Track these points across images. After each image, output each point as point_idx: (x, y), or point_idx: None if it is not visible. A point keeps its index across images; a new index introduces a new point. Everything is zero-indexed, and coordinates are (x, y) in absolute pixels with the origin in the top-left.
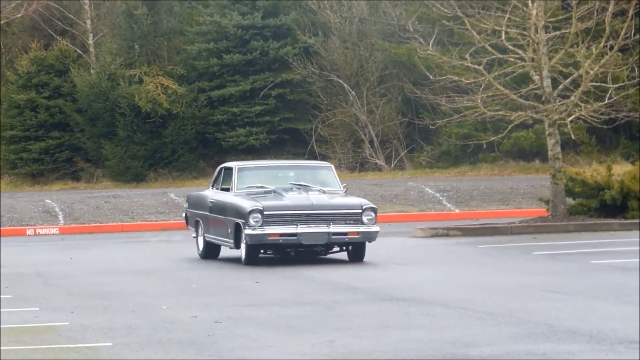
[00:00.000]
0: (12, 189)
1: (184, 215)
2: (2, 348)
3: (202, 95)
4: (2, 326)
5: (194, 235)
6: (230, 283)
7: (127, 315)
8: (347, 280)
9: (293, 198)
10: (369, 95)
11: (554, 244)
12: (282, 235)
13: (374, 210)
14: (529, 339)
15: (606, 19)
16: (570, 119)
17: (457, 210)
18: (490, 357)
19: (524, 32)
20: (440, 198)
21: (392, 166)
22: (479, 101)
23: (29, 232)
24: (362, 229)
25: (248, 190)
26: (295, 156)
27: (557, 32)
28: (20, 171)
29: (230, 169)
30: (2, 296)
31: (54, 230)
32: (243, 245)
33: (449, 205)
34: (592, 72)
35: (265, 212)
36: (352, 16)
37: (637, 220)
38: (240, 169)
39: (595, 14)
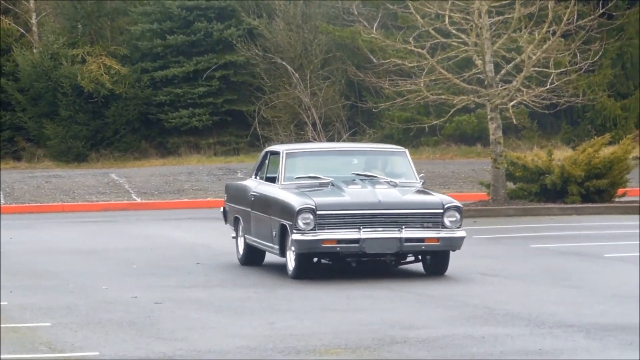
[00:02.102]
0: None
1: (221, 209)
2: None
3: (145, 75)
4: None
5: (234, 235)
6: (172, 264)
7: (67, 295)
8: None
9: (354, 194)
10: (313, 78)
11: (494, 227)
12: (340, 242)
13: (458, 210)
14: (467, 322)
15: (549, 4)
16: (512, 103)
17: None
18: (429, 339)
19: (468, 17)
20: None
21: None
22: (422, 85)
23: None
24: (443, 234)
25: (298, 182)
26: (239, 138)
27: (500, 17)
28: None
29: (277, 154)
30: None
31: None
32: (290, 253)
33: None
34: (534, 57)
35: (318, 212)
36: None
37: (579, 205)
38: (289, 154)
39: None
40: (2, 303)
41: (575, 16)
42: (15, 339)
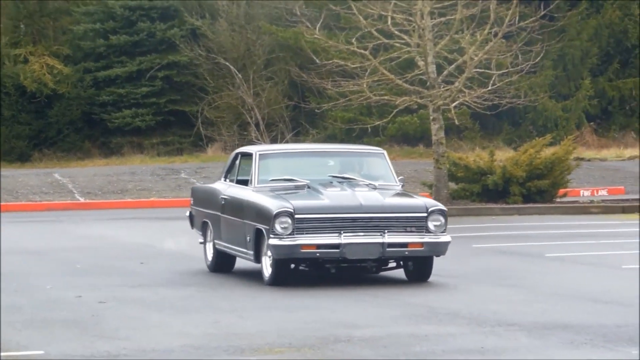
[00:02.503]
0: None
1: (187, 213)
2: None
3: (88, 75)
4: None
5: (201, 240)
6: (116, 264)
7: (11, 295)
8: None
9: (334, 196)
10: (256, 79)
11: None
12: (319, 247)
13: (443, 213)
14: (410, 320)
15: (491, 6)
16: (454, 104)
17: None
18: (373, 338)
19: (410, 18)
20: None
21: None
22: (365, 85)
23: None
24: (427, 238)
25: (273, 184)
26: (182, 139)
27: (443, 18)
28: None
29: (249, 155)
30: None
31: None
32: (266, 259)
33: None
34: (476, 58)
35: (296, 216)
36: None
37: (521, 205)
38: (262, 156)
39: (480, 1)
40: None
41: (517, 18)
42: None
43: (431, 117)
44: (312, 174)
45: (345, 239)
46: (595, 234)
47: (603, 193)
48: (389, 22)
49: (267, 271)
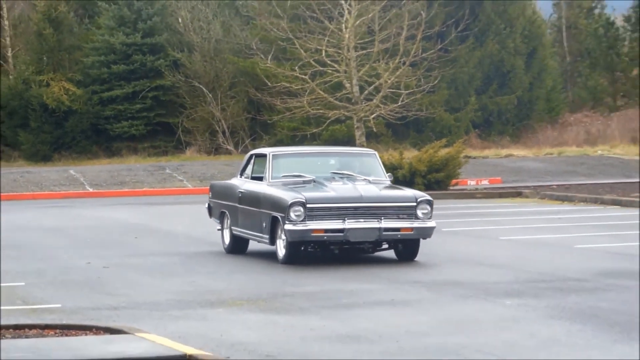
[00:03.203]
0: None
1: (206, 205)
2: None
3: (95, 96)
4: None
5: (219, 227)
6: (116, 238)
7: (36, 261)
8: (206, 236)
9: (338, 189)
10: (222, 97)
11: None
12: (327, 231)
13: (430, 203)
14: (341, 279)
15: (400, 41)
16: (372, 116)
17: None
18: (311, 293)
19: (339, 51)
20: None
21: (239, 151)
22: (305, 102)
23: None
24: (416, 224)
25: (284, 179)
26: (167, 143)
27: (364, 51)
28: None
29: (263, 156)
30: None
31: None
32: (280, 242)
33: None
34: (389, 81)
35: (308, 205)
36: (210, 37)
37: (423, 192)
38: (275, 156)
39: (392, 38)
40: (18, 283)
41: (420, 50)
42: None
43: (355, 126)
44: (316, 171)
45: (348, 224)
46: (479, 214)
47: (485, 183)
48: (323, 54)
49: (281, 252)
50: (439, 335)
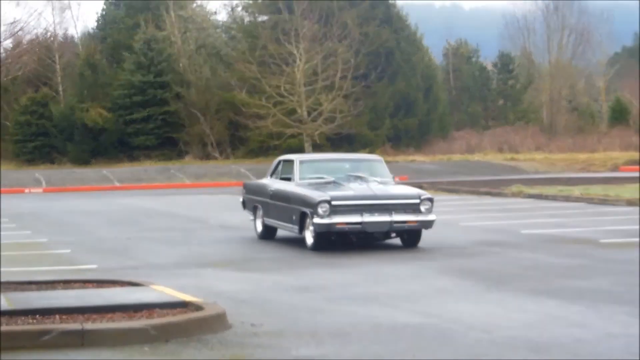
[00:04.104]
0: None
1: (241, 200)
2: (8, 254)
3: (121, 118)
4: (9, 241)
5: (252, 218)
6: (136, 218)
7: (79, 235)
8: (200, 217)
9: (356, 189)
10: (211, 119)
11: None
12: (347, 224)
13: (430, 200)
14: (295, 248)
15: (336, 80)
16: (317, 132)
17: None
18: (272, 258)
19: (293, 86)
20: (248, 174)
21: (222, 157)
22: (269, 123)
23: (30, 190)
24: (420, 217)
25: (309, 180)
26: (171, 152)
27: (310, 87)
28: (26, 157)
29: (290, 161)
30: (6, 225)
31: (40, 189)
32: (308, 232)
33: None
34: (328, 108)
35: (332, 203)
36: (202, 77)
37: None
38: (301, 162)
39: (330, 77)
40: (44, 240)
41: (350, 86)
42: (50, 260)
43: (305, 140)
44: (335, 173)
45: (365, 218)
46: None
47: (397, 179)
48: (282, 89)
49: (310, 240)
50: (365, 286)
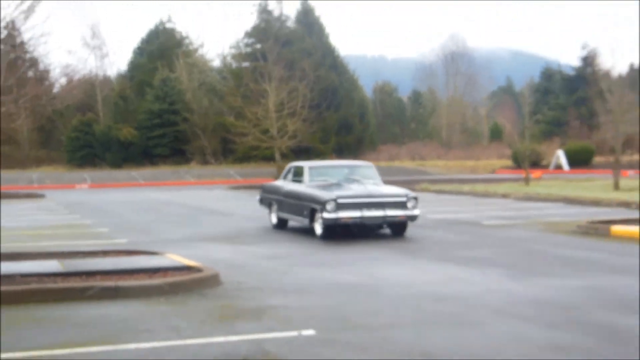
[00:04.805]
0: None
1: (258, 198)
2: (63, 231)
3: (144, 135)
4: (64, 222)
5: (268, 211)
6: (157, 206)
7: (114, 218)
8: (203, 205)
9: (356, 189)
10: (208, 136)
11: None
12: (350, 218)
13: (415, 198)
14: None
15: (297, 108)
16: (284, 146)
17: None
18: (256, 235)
19: (266, 113)
20: (235, 175)
21: (217, 163)
22: (250, 139)
23: (79, 186)
24: (407, 212)
25: (316, 183)
26: (180, 159)
27: (279, 113)
28: (76, 162)
29: (301, 167)
30: (62, 211)
31: (86, 186)
32: (317, 224)
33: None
34: (292, 128)
35: (338, 201)
36: (202, 105)
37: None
38: (310, 167)
39: (293, 107)
40: (88, 222)
41: (307, 113)
42: (93, 236)
43: (275, 151)
44: (336, 177)
45: (364, 213)
46: None
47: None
48: (259, 115)
49: (319, 231)
50: (318, 256)
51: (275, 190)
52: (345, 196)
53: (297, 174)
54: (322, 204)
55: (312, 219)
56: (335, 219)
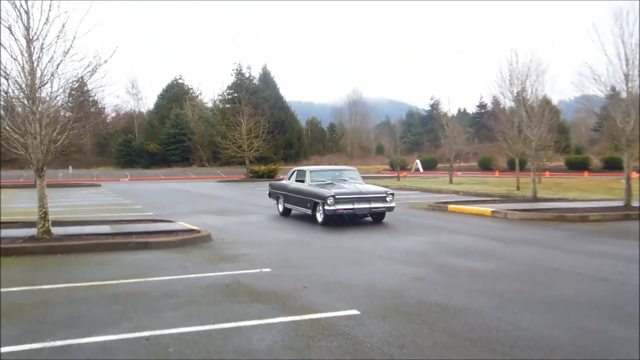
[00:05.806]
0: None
1: (267, 192)
2: (111, 207)
3: (164, 148)
4: (112, 203)
5: (275, 202)
6: (177, 194)
7: (143, 200)
8: (203, 191)
9: (348, 187)
10: (204, 149)
11: None
12: (345, 209)
13: (392, 194)
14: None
15: (260, 132)
16: (252, 156)
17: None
18: (251, 221)
19: (241, 135)
20: (220, 173)
21: (211, 165)
22: (230, 151)
23: (122, 180)
24: (386, 205)
25: (316, 182)
26: (186, 163)
27: (248, 135)
28: (120, 165)
29: (303, 170)
30: (111, 195)
31: (127, 179)
32: (318, 214)
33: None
34: (256, 146)
35: (336, 196)
36: (200, 129)
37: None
38: (311, 171)
39: (258, 132)
40: (129, 202)
41: (266, 135)
42: (131, 211)
43: (246, 159)
44: (330, 178)
45: (355, 205)
46: None
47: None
48: (236, 137)
49: (320, 219)
50: (282, 223)
51: (282, 187)
52: (341, 193)
53: (300, 176)
54: (324, 198)
55: (314, 210)
56: (334, 210)
